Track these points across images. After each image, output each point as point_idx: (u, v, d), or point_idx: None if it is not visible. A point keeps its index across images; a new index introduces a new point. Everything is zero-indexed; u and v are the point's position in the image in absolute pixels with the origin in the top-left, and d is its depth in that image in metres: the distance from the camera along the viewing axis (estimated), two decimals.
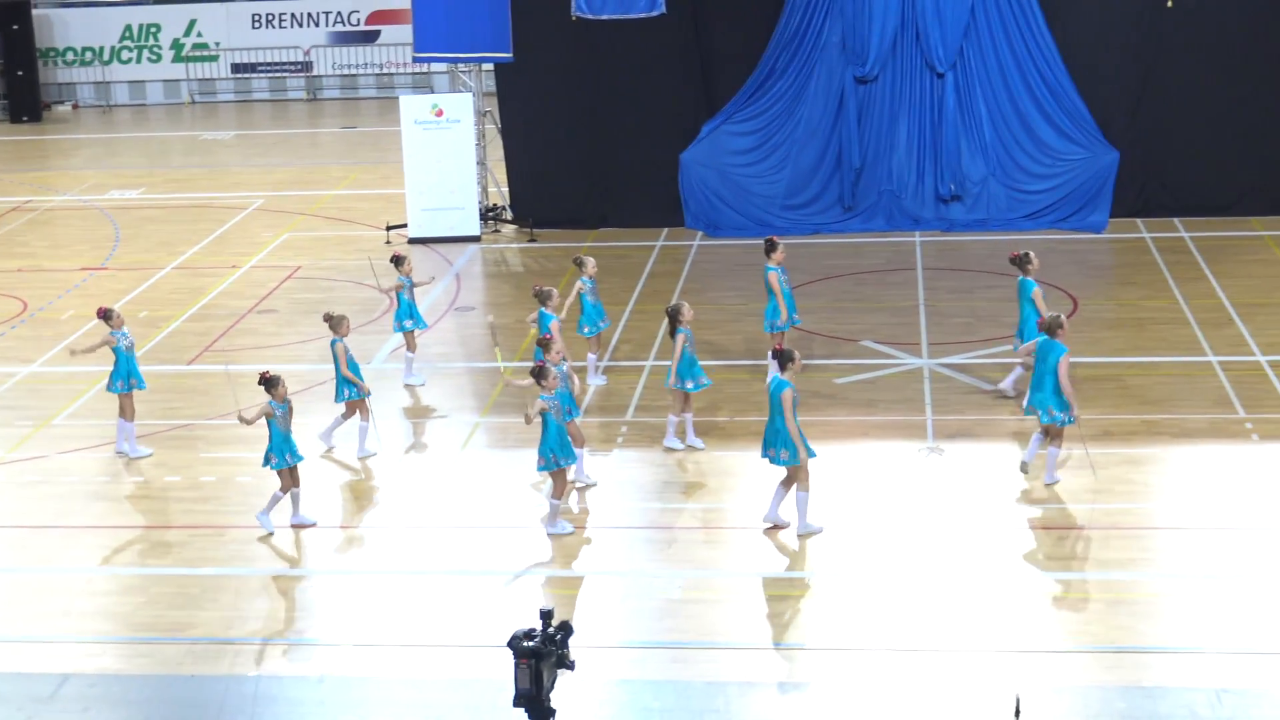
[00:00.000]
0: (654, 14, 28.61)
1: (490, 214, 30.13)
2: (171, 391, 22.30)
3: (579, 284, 21.50)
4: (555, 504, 17.55)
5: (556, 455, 17.32)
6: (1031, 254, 20.30)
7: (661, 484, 18.84)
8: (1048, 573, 16.42)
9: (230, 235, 30.53)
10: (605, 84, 29.48)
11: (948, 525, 17.43)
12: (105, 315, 20.18)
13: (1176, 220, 28.40)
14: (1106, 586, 16.07)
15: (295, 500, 18.02)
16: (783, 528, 17.42)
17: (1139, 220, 28.53)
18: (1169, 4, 27.77)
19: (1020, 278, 20.17)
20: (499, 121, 30.11)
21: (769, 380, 17.21)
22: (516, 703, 11.89)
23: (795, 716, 14.06)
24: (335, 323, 19.94)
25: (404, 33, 39.94)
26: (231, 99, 45.51)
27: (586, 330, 21.56)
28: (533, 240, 29.23)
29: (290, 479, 17.94)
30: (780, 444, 17.08)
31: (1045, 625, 15.41)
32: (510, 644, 11.82)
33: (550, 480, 17.60)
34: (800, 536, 17.26)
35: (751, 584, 16.49)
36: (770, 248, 21.25)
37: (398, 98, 31.51)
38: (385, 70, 44.75)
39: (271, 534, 17.79)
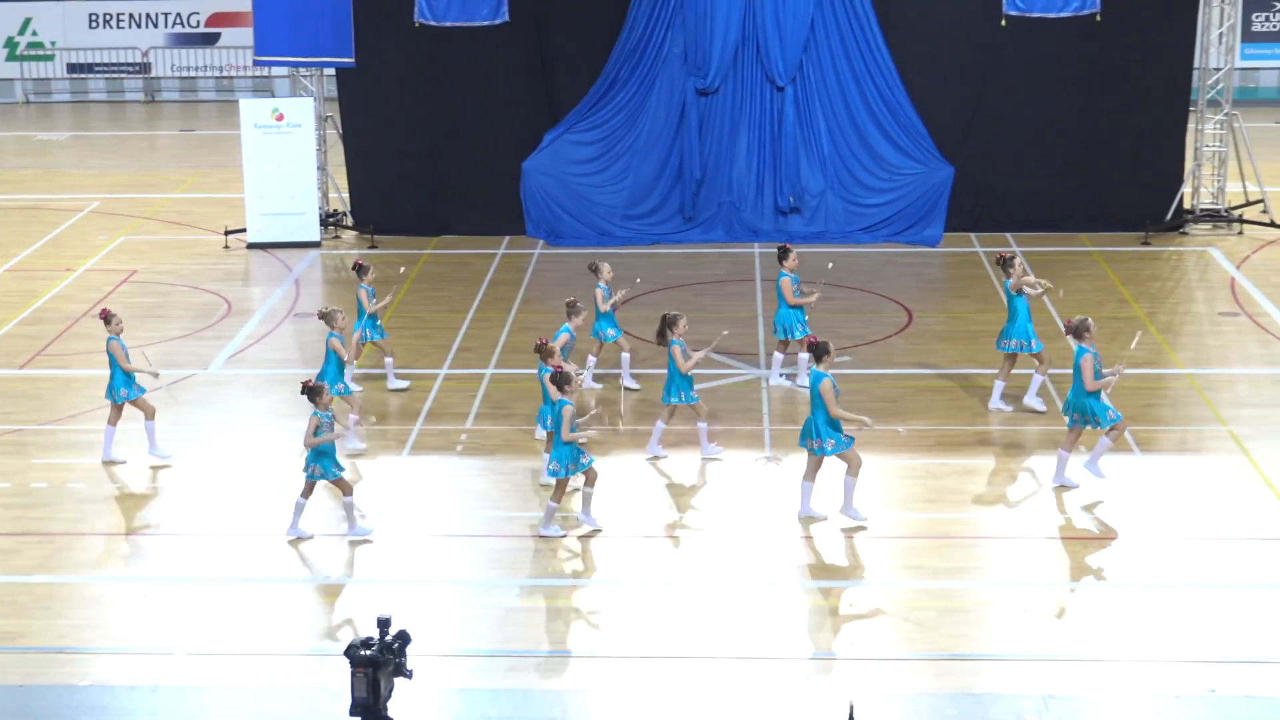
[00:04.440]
0: (497, 22, 28.67)
1: (330, 220, 29.94)
2: (3, 396, 21.92)
3: (597, 290, 21.46)
4: (552, 506, 17.60)
5: (572, 463, 17.39)
6: (1018, 258, 20.92)
7: (501, 493, 18.87)
8: (880, 581, 16.67)
9: (65, 238, 30.05)
10: (447, 91, 29.43)
11: (780, 533, 17.64)
12: (106, 318, 19.70)
13: (1008, 235, 28.94)
14: (938, 594, 16.35)
15: (299, 511, 17.66)
16: (820, 520, 17.71)
17: (972, 235, 29.04)
18: (1003, 23, 28.32)
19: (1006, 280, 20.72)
20: (340, 127, 29.94)
21: (808, 374, 17.57)
22: (353, 711, 11.87)
23: None
24: (330, 318, 19.81)
25: (245, 35, 39.51)
26: (67, 99, 44.76)
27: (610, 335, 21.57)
28: (373, 247, 29.09)
29: (310, 489, 17.62)
30: (818, 435, 17.37)
31: (877, 633, 15.64)
32: (347, 652, 11.80)
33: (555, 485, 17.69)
34: (845, 516, 17.66)
35: (590, 591, 16.57)
36: (783, 254, 21.57)
37: (237, 101, 31.23)
38: (225, 73, 44.27)
39: (312, 537, 17.60)
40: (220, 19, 44.15)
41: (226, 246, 29.04)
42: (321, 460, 17.40)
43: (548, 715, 14.29)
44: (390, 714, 11.89)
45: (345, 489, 17.60)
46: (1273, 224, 28.81)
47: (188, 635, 15.65)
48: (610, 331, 21.53)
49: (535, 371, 22.13)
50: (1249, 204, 29.31)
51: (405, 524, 17.95)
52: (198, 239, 29.73)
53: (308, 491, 17.59)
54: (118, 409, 19.69)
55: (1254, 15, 41.47)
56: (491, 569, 17.07)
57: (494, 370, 22.72)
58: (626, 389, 21.65)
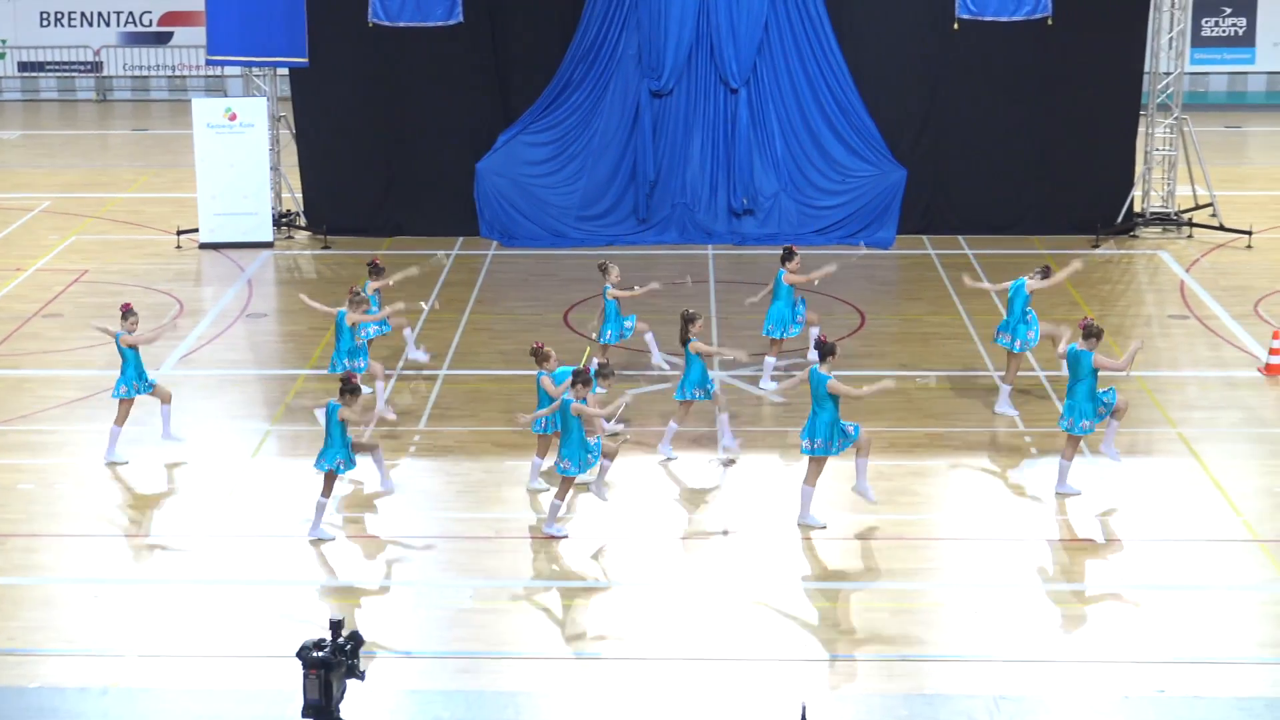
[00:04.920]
0: (451, 23, 28.65)
1: (283, 220, 29.85)
2: None
3: (613, 291, 21.44)
4: (557, 504, 17.59)
5: (590, 456, 17.41)
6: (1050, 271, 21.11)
7: (454, 494, 18.87)
8: (831, 582, 16.73)
9: (15, 237, 29.87)
10: (401, 92, 29.37)
11: (733, 535, 17.69)
12: (125, 313, 19.69)
13: (960, 238, 29.06)
14: (890, 595, 16.42)
15: (321, 511, 17.70)
16: (818, 528, 17.83)
17: (925, 237, 29.16)
18: (955, 26, 28.50)
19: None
20: (293, 127, 29.85)
21: (807, 373, 17.71)
22: (305, 713, 11.86)
23: None
24: (356, 303, 20.17)
25: (197, 34, 39.33)
26: (18, 98, 44.47)
27: (609, 336, 21.54)
28: (326, 247, 29.02)
29: (330, 486, 17.65)
30: (817, 434, 17.46)
31: (829, 633, 15.70)
32: (300, 654, 11.79)
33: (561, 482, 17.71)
34: (802, 524, 17.73)
35: (542, 593, 16.58)
36: (788, 256, 21.68)
37: (190, 100, 31.11)
38: (178, 73, 44.08)
39: (334, 539, 17.62)
40: (173, 18, 43.94)
41: (179, 246, 28.93)
42: (347, 454, 17.44)
43: (500, 717, 14.30)
44: (342, 716, 11.89)
45: (328, 489, 17.58)
46: (1222, 227, 29.01)
47: (139, 637, 15.59)
48: (609, 332, 21.53)
49: (488, 373, 22.23)
50: (1198, 207, 29.50)
51: (358, 525, 17.90)
52: (150, 239, 29.59)
53: (328, 491, 17.61)
54: (125, 407, 19.57)
55: (1203, 20, 41.77)
56: (444, 570, 17.07)
57: (447, 371, 22.70)
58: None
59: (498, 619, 15.99)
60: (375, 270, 21.94)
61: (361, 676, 12.01)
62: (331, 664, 11.74)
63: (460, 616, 16.02)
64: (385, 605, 16.37)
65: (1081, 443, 18.75)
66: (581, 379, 17.38)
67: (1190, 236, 29.17)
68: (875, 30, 29.26)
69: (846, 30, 29.10)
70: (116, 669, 15.00)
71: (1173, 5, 29.42)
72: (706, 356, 19.62)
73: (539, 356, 18.52)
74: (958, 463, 19.69)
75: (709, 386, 19.58)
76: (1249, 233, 28.78)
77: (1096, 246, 28.54)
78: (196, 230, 29.16)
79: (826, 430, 17.47)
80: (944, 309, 25.36)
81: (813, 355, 21.78)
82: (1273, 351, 22.43)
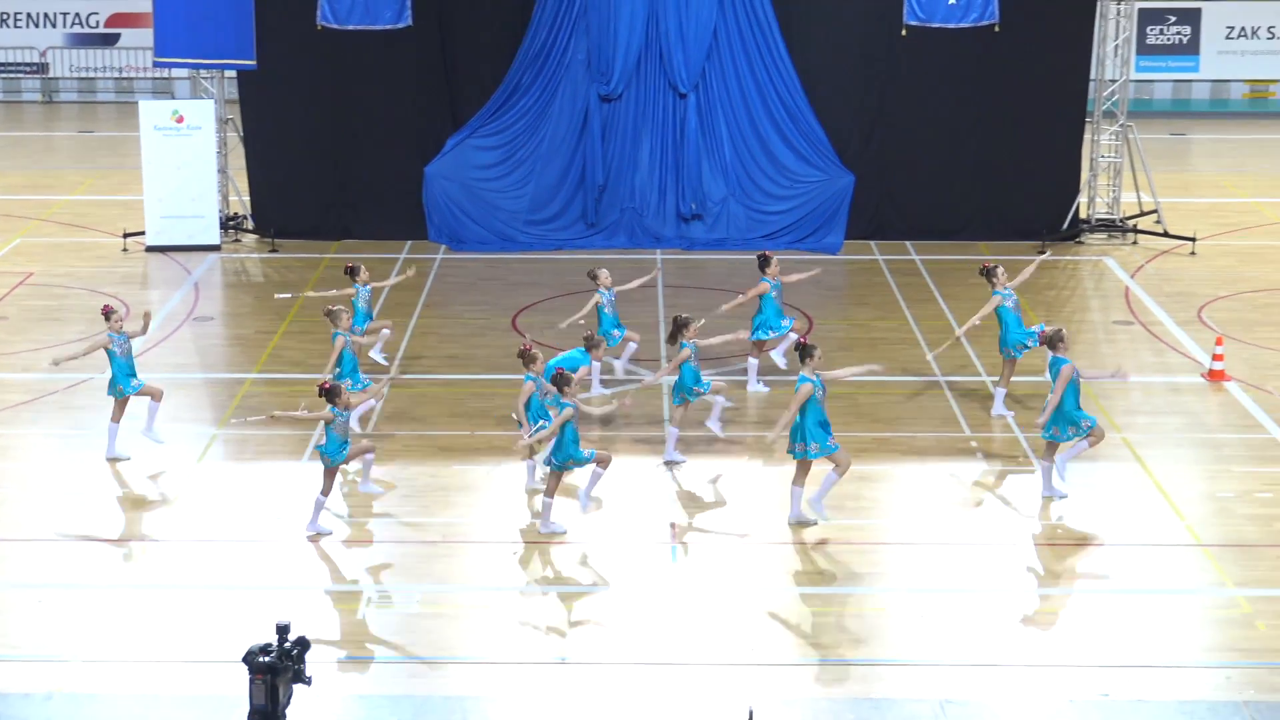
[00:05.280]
0: (400, 26, 28.62)
1: (231, 223, 29.73)
2: None
3: (596, 296, 21.48)
4: (549, 502, 17.64)
5: (578, 457, 17.45)
6: (1000, 267, 21.22)
7: (401, 498, 18.82)
8: (779, 586, 16.78)
9: None
10: (350, 95, 29.30)
11: (681, 538, 17.71)
12: (106, 314, 19.62)
13: (908, 243, 29.18)
14: (836, 600, 16.47)
15: (318, 508, 17.74)
16: (811, 524, 17.87)
17: (872, 243, 29.26)
18: (903, 33, 28.63)
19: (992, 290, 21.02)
20: (241, 129, 29.73)
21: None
22: (251, 719, 11.82)
23: None
24: (335, 317, 19.84)
25: (145, 36, 39.11)
26: None
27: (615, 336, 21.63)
28: (274, 251, 28.92)
29: (331, 481, 17.65)
30: (804, 438, 17.55)
31: (776, 638, 15.75)
32: (246, 659, 11.74)
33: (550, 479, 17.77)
34: (809, 507, 17.81)
35: (489, 597, 16.57)
36: (764, 262, 21.79)
37: (137, 102, 30.93)
38: (125, 74, 43.84)
39: (330, 534, 17.71)
40: (120, 19, 43.71)
41: (125, 249, 28.78)
42: (334, 451, 17.46)
43: None
44: None
45: (327, 488, 17.58)
46: (1166, 234, 29.21)
47: (83, 642, 15.50)
48: (616, 333, 21.59)
49: (435, 377, 22.19)
50: (1143, 214, 29.72)
51: (305, 529, 17.84)
52: (96, 242, 29.44)
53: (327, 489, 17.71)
54: (120, 405, 19.50)
55: (1148, 28, 42.08)
56: (392, 575, 17.04)
57: (393, 376, 22.61)
58: (631, 376, 21.92)
59: (445, 624, 15.98)
60: (353, 272, 21.87)
61: (308, 681, 11.98)
62: (278, 669, 11.70)
63: (408, 621, 16.00)
64: (332, 610, 16.32)
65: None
66: (563, 381, 17.41)
67: (1135, 243, 29.37)
68: (823, 37, 29.37)
69: (795, 36, 29.20)
70: (61, 674, 14.91)
71: (1118, 14, 29.64)
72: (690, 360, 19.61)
73: (526, 359, 18.47)
74: (903, 467, 19.75)
75: (700, 387, 19.67)
76: (1193, 239, 28.99)
77: (1043, 253, 28.69)
78: (143, 233, 29.01)
79: (815, 433, 17.54)
80: (891, 314, 25.46)
81: (755, 387, 21.95)
82: (1216, 357, 22.61)
